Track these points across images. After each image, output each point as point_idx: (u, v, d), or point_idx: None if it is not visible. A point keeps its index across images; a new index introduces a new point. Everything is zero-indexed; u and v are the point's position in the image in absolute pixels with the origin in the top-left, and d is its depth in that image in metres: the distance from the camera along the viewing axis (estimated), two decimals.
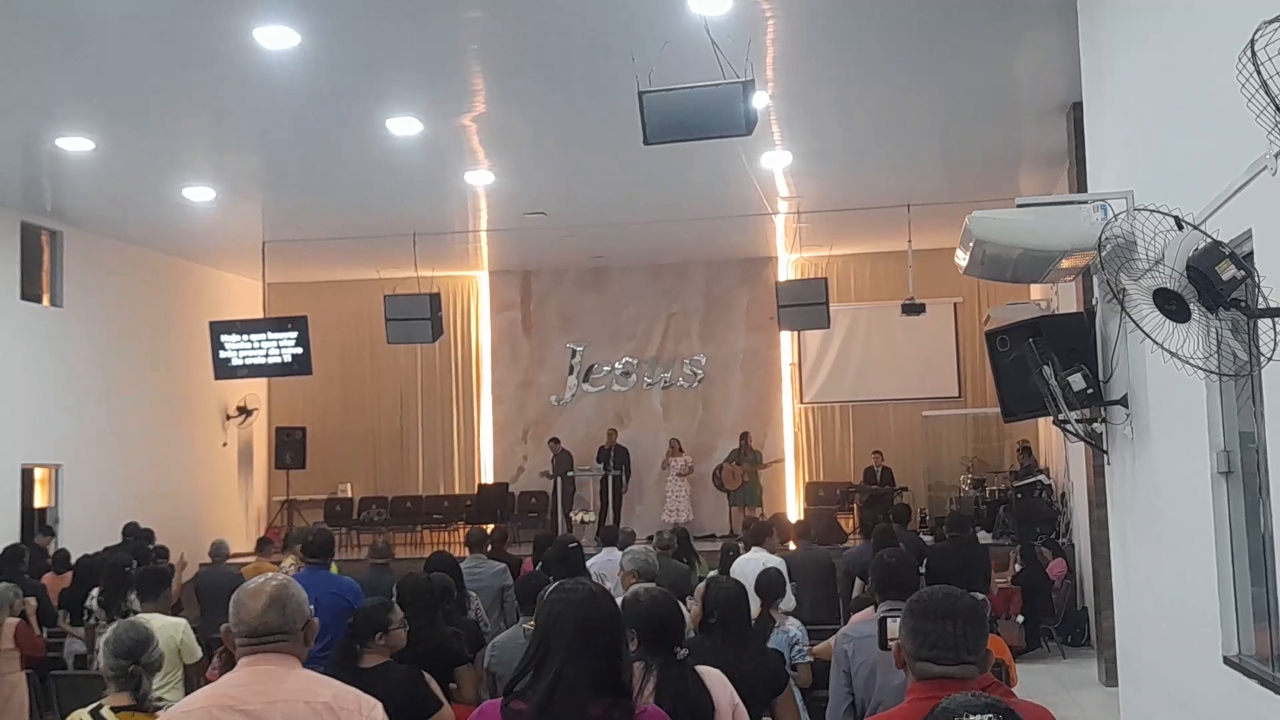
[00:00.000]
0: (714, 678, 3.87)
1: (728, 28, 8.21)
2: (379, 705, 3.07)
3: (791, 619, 7.14)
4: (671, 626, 3.99)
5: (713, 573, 8.45)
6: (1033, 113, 11.55)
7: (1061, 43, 9.10)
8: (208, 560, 11.66)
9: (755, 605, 6.91)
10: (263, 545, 13.61)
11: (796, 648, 6.78)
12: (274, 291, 16.94)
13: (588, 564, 8.66)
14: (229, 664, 4.90)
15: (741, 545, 10.09)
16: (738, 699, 3.89)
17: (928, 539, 14.87)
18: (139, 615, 6.15)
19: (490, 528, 11.26)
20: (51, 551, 12.60)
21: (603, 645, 2.98)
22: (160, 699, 4.49)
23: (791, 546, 11.49)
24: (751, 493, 18.09)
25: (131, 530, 13.21)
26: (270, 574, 3.32)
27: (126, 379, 16.22)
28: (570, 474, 18.34)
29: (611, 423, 19.34)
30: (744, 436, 18.47)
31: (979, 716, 2.07)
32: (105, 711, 4.31)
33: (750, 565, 8.13)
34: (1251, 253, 4.38)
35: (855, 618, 5.59)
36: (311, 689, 3.03)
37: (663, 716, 3.11)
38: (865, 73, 10.40)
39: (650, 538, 11.08)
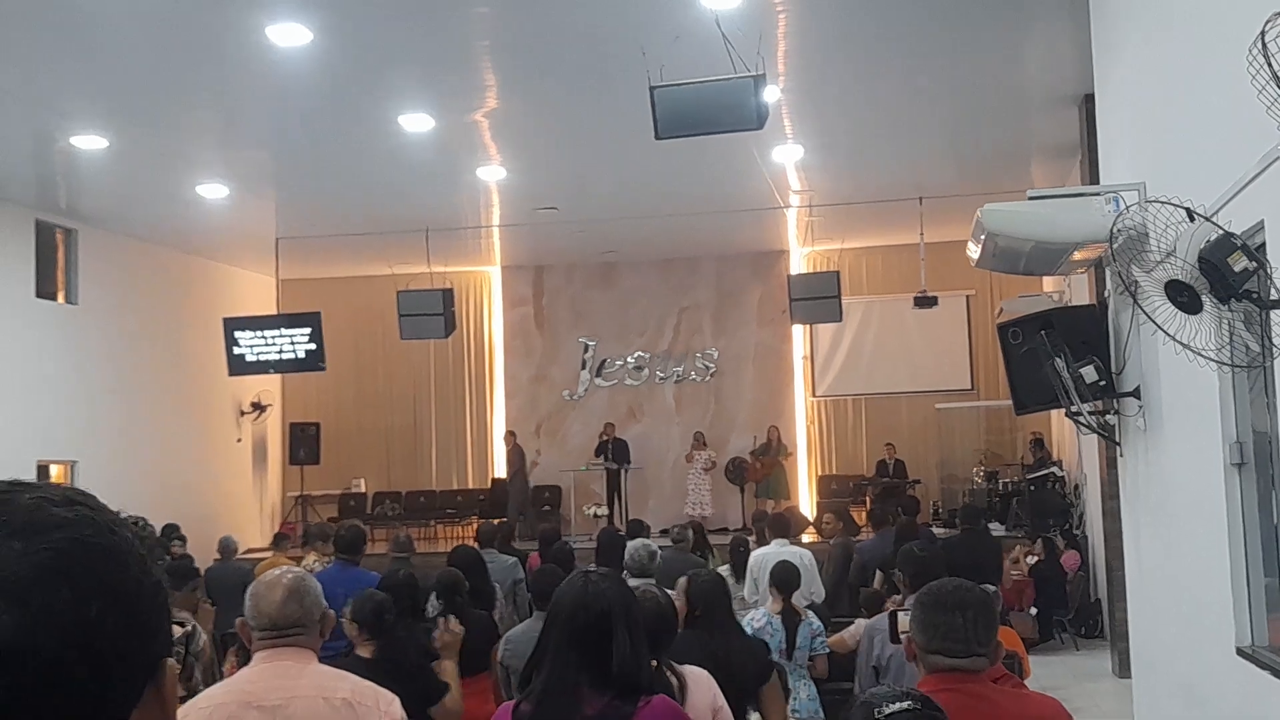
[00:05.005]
0: (696, 679, 3.72)
1: (738, 22, 8.21)
2: (396, 700, 3.07)
3: (810, 611, 7.15)
4: (655, 628, 3.89)
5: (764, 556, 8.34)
6: (1044, 105, 11.52)
7: (1073, 34, 9.08)
8: (217, 557, 11.71)
9: (773, 598, 6.94)
10: (279, 540, 13.65)
11: (818, 639, 6.81)
12: (287, 288, 17.00)
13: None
14: (246, 658, 4.91)
15: (753, 539, 10.10)
16: (720, 701, 3.76)
17: (940, 531, 14.90)
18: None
19: (497, 522, 11.32)
20: None
21: (592, 640, 2.91)
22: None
23: (805, 539, 11.48)
24: (777, 485, 18.06)
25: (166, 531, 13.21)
26: (286, 566, 3.31)
27: (141, 375, 16.29)
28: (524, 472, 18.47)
29: (624, 417, 19.35)
30: (772, 430, 18.42)
31: (898, 705, 2.08)
32: None
33: (773, 558, 8.02)
34: (1264, 244, 4.37)
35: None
36: (329, 685, 3.02)
37: (671, 706, 3.03)
38: (877, 66, 10.39)
39: (664, 531, 11.13)
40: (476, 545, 9.71)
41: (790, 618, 6.77)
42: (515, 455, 18.81)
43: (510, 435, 19.17)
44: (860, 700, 2.16)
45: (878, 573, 9.79)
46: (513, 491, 18.41)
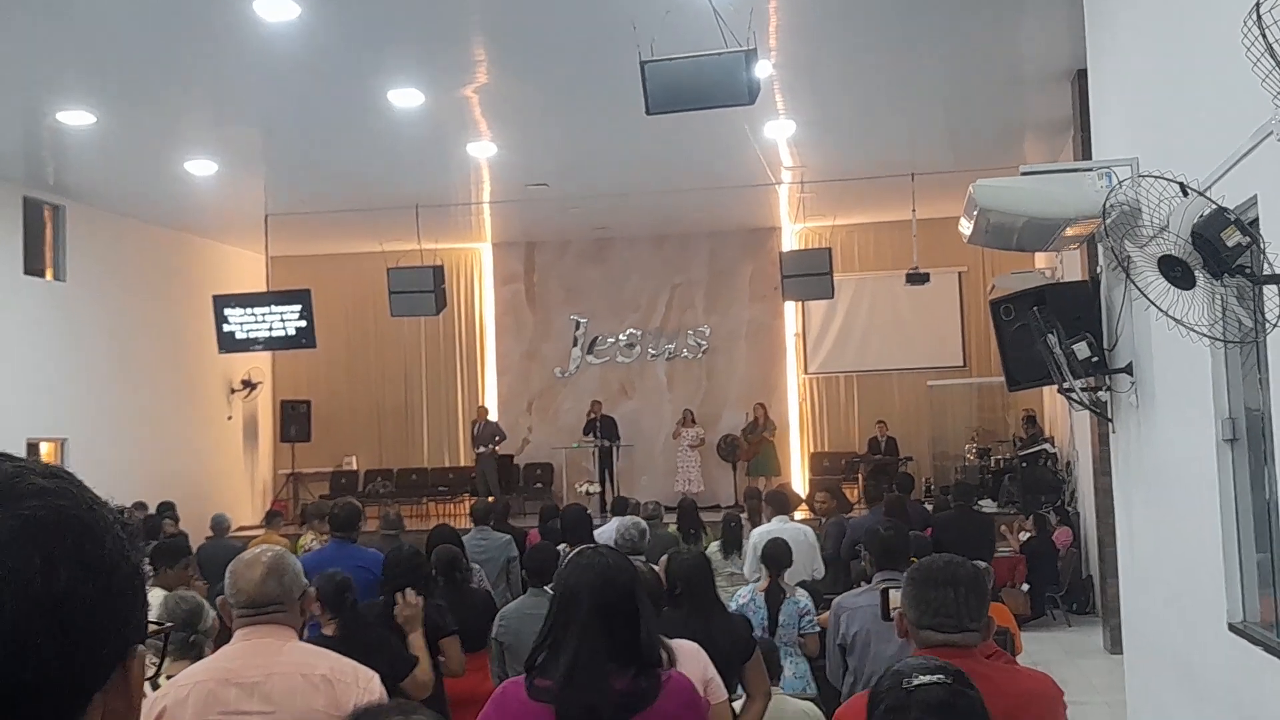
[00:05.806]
0: (686, 653, 3.70)
1: None
2: (376, 676, 3.07)
3: (800, 589, 7.13)
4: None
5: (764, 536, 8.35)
6: (1037, 80, 11.48)
7: (1066, 9, 9.03)
8: (209, 535, 11.72)
9: (763, 575, 6.94)
10: (271, 518, 13.63)
11: (806, 618, 6.78)
12: (277, 265, 16.91)
13: (595, 533, 8.76)
14: (224, 635, 4.88)
15: (744, 516, 10.09)
16: (711, 673, 3.80)
17: (932, 509, 14.91)
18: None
19: (491, 500, 11.32)
20: None
21: (619, 616, 2.93)
22: None
23: (797, 517, 11.48)
24: (768, 462, 18.08)
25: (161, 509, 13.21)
26: (266, 545, 3.30)
27: (131, 353, 16.24)
28: (491, 446, 18.43)
29: (616, 394, 19.36)
30: (758, 408, 18.46)
31: (928, 677, 2.07)
32: (162, 680, 4.34)
33: (774, 534, 7.96)
34: (1257, 219, 4.35)
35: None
36: (308, 661, 3.03)
37: (688, 683, 3.05)
38: (869, 40, 10.34)
39: (639, 506, 11.16)
40: (471, 523, 9.72)
41: (774, 595, 6.74)
42: (482, 431, 18.70)
43: (481, 410, 19.11)
44: (891, 670, 2.15)
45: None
46: (483, 471, 18.33)
